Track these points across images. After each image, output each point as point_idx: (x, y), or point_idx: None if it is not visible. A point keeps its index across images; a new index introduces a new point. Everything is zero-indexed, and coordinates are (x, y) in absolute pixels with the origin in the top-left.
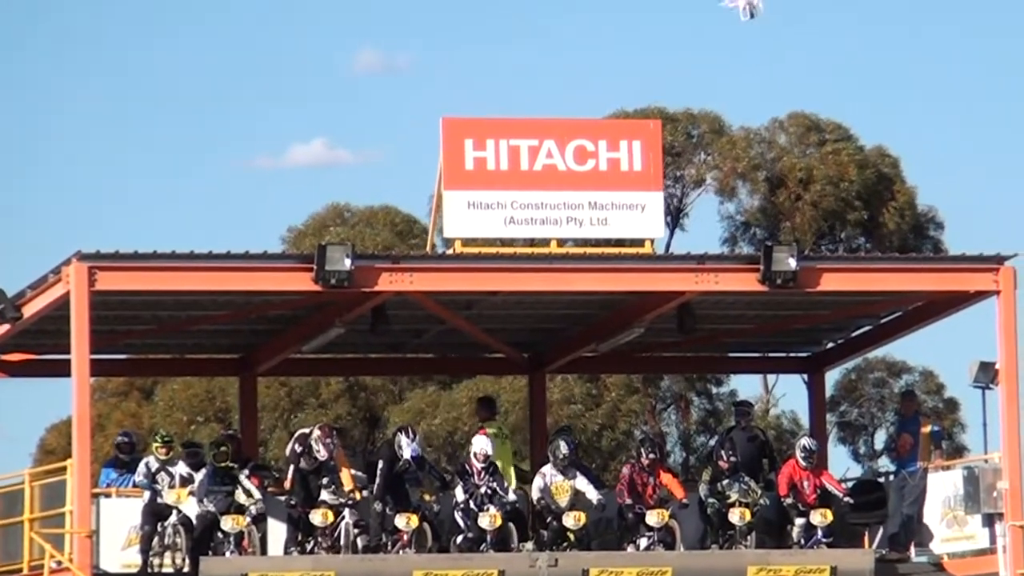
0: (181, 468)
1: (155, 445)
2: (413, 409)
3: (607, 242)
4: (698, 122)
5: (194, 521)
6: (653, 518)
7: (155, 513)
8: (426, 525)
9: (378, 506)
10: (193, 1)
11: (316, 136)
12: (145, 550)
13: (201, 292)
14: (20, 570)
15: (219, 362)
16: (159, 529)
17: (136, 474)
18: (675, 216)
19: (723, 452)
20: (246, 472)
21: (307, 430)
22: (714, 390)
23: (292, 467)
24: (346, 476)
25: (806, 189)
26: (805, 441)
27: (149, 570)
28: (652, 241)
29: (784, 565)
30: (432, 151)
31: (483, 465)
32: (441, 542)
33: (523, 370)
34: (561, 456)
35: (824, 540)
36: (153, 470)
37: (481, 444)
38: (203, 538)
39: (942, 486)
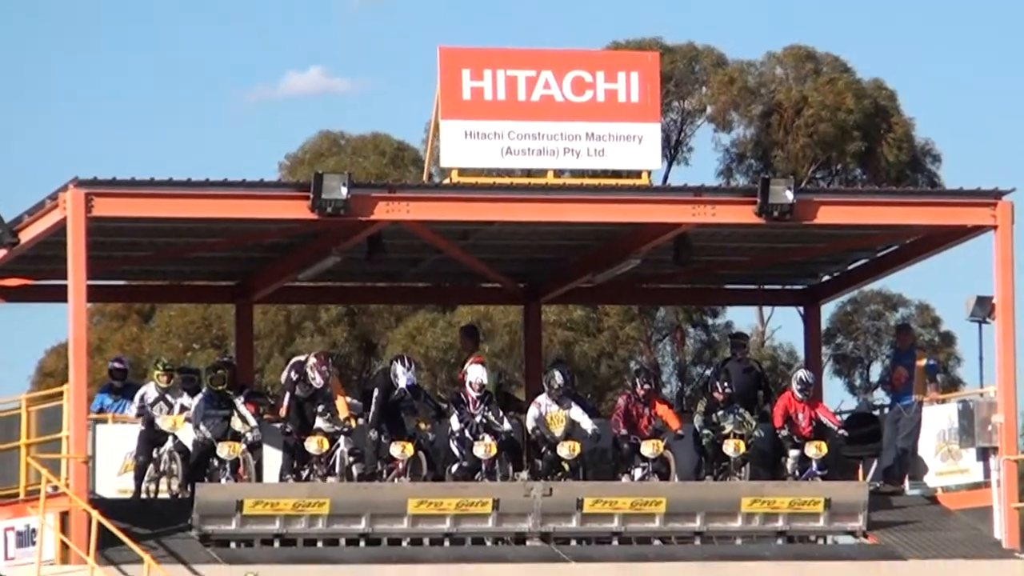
0: (183, 399)
1: (156, 373)
2: (409, 329)
3: (604, 173)
4: (696, 54)
5: (190, 447)
6: (648, 449)
7: (151, 440)
8: (421, 454)
9: (373, 434)
10: None
11: (313, 65)
12: (139, 477)
13: (198, 219)
14: (16, 495)
15: (216, 289)
16: (154, 456)
17: (132, 404)
18: (672, 148)
19: (718, 383)
20: (242, 399)
21: (303, 357)
22: (710, 321)
23: (288, 394)
24: (341, 404)
25: (799, 116)
26: (801, 373)
27: (144, 496)
28: (649, 173)
29: (778, 497)
30: (429, 81)
31: (479, 394)
32: (436, 471)
33: (519, 300)
34: (556, 386)
35: (818, 472)
36: (150, 401)
37: (476, 373)
38: (199, 464)
39: (937, 420)
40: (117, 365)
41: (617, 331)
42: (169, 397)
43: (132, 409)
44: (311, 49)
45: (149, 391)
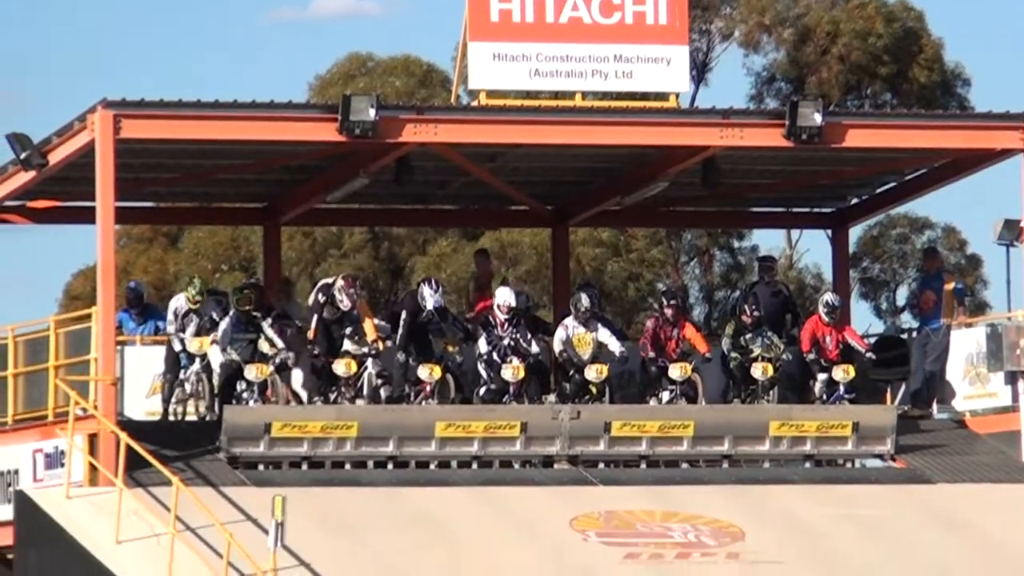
0: (211, 312)
1: (191, 292)
2: (435, 254)
3: (632, 95)
4: None
5: (217, 369)
6: (675, 372)
7: (177, 361)
8: (449, 376)
9: (401, 356)
10: None
11: None
12: (167, 398)
13: (226, 141)
14: (45, 417)
15: (243, 211)
16: (181, 377)
17: (168, 318)
18: (701, 70)
19: (746, 307)
20: (269, 321)
21: (330, 280)
22: (736, 245)
23: (315, 317)
24: (369, 326)
25: (833, 42)
26: (828, 296)
27: (171, 418)
28: (677, 95)
29: (806, 420)
30: (459, 3)
31: (506, 317)
32: (464, 393)
33: (546, 223)
34: (583, 309)
35: (846, 396)
36: (182, 313)
37: (505, 296)
38: (227, 386)
39: (965, 343)
40: (131, 291)
41: (644, 253)
42: (199, 313)
43: (169, 322)
44: None
45: (181, 303)
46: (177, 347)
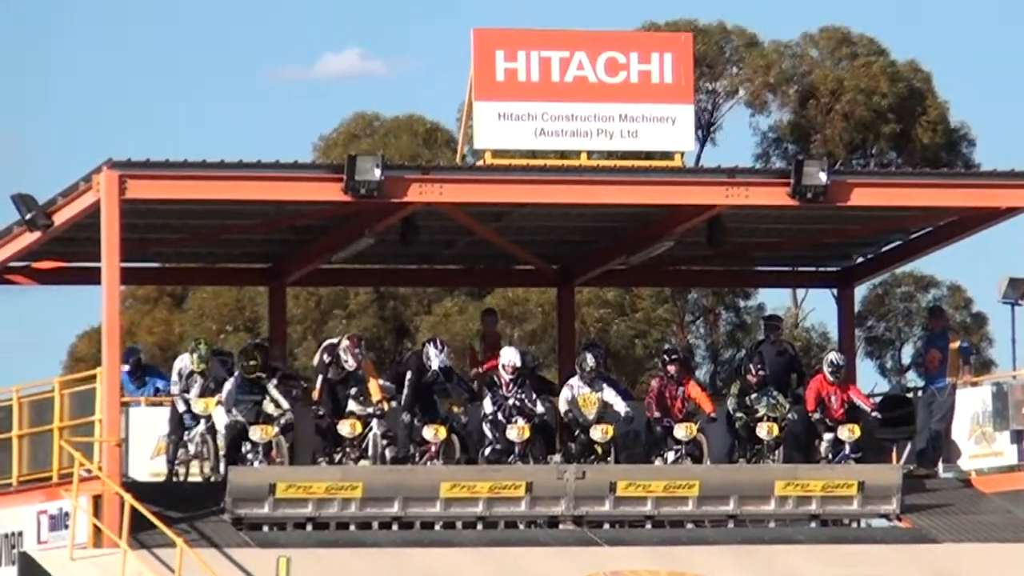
0: (216, 373)
1: (195, 358)
2: (440, 314)
3: (637, 155)
4: (730, 35)
5: (222, 430)
6: (681, 431)
7: (182, 422)
8: (454, 436)
9: (406, 417)
10: None
11: (349, 46)
12: (171, 459)
13: (231, 201)
14: (49, 478)
15: (249, 271)
16: (186, 438)
17: (172, 381)
18: (706, 129)
19: (752, 366)
20: (274, 382)
21: (335, 340)
22: (742, 304)
23: (320, 377)
24: (374, 386)
25: (837, 101)
26: (833, 356)
27: (175, 479)
28: (682, 154)
29: (812, 480)
30: (464, 62)
31: (512, 377)
32: (469, 454)
33: (552, 282)
34: (588, 368)
35: (852, 455)
36: (186, 375)
37: (510, 356)
38: (232, 447)
39: (970, 402)
40: (129, 348)
41: (650, 312)
42: (204, 375)
43: (173, 382)
44: (348, 30)
45: (185, 364)
46: (181, 407)
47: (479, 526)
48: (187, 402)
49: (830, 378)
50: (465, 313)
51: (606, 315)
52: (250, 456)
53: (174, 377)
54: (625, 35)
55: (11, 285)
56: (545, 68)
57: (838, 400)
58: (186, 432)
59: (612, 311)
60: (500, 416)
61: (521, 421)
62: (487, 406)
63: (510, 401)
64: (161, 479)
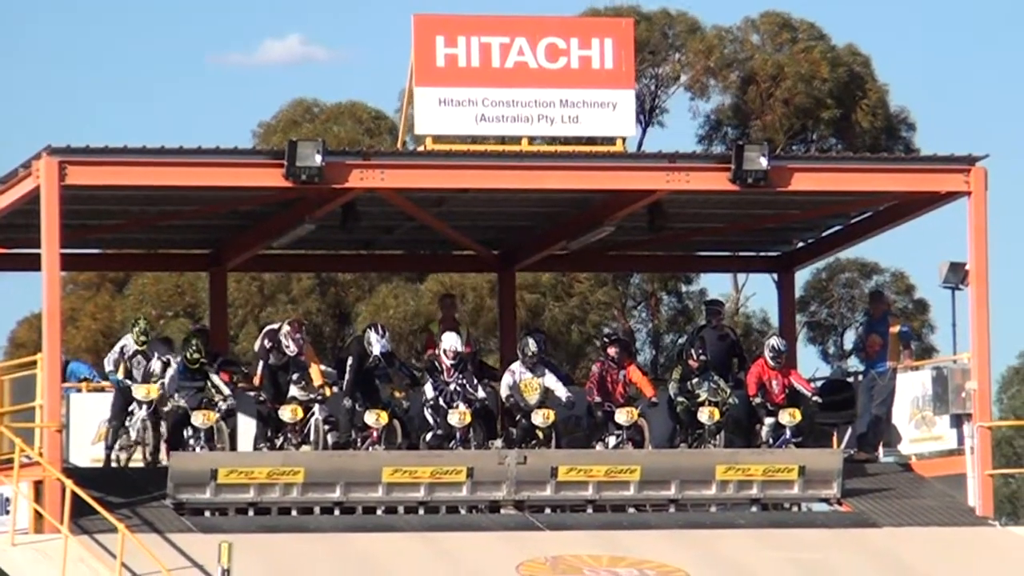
0: (159, 356)
1: (136, 332)
2: (379, 301)
3: (578, 140)
4: (671, 21)
5: (163, 416)
6: (622, 416)
7: (123, 408)
8: (396, 422)
9: (348, 402)
10: None
11: (291, 33)
12: (110, 445)
13: (172, 187)
14: None
15: (190, 257)
16: (127, 424)
17: (108, 357)
18: (649, 114)
19: (693, 351)
20: (216, 367)
21: (276, 325)
22: (684, 288)
23: (261, 363)
24: (315, 372)
25: (777, 86)
26: (774, 341)
27: (115, 464)
28: (623, 139)
29: (752, 464)
30: (407, 50)
31: (453, 362)
32: (411, 439)
33: (493, 268)
34: (530, 353)
35: (792, 440)
36: (128, 355)
37: (451, 341)
38: (173, 433)
39: (911, 387)
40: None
41: (587, 296)
42: (145, 356)
43: (110, 357)
44: (290, 17)
45: (128, 343)
46: (117, 391)
47: (420, 511)
48: (129, 388)
49: (771, 363)
50: (400, 299)
51: (540, 300)
52: (192, 442)
53: (114, 353)
54: (566, 20)
55: None
56: (485, 54)
57: (779, 385)
58: (128, 417)
59: (547, 296)
60: (441, 401)
61: (462, 406)
62: (428, 391)
63: (451, 386)
64: (102, 465)
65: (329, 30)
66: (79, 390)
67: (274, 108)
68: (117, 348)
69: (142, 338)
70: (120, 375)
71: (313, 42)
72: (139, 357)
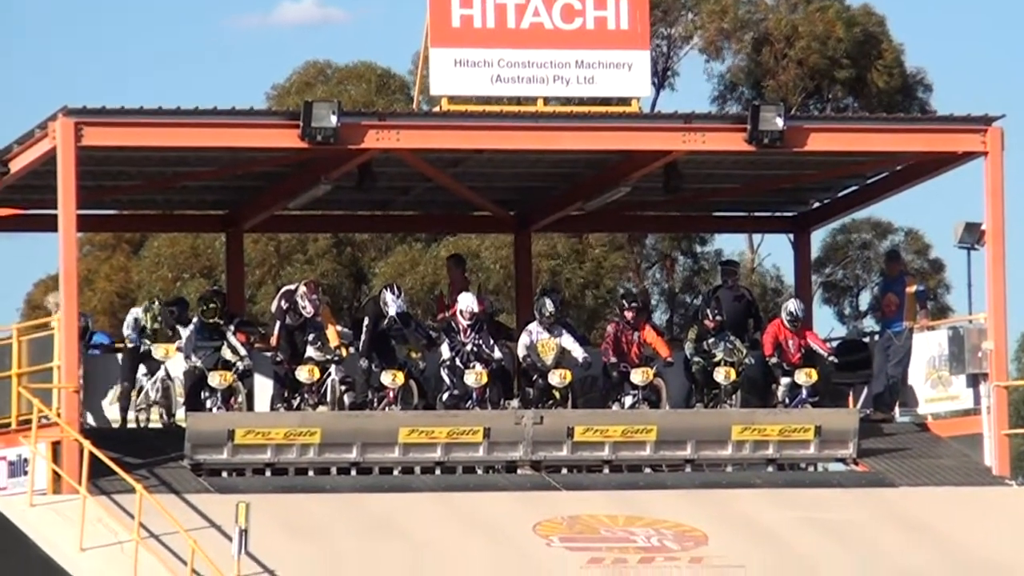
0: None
1: (148, 317)
2: (395, 264)
3: (593, 101)
4: None
5: (181, 377)
6: (638, 376)
7: (132, 369)
8: (412, 382)
9: (364, 363)
10: None
11: None
12: (124, 407)
13: (188, 148)
14: (8, 425)
15: (206, 218)
16: (145, 384)
17: (124, 326)
18: (661, 75)
19: (709, 311)
20: (232, 328)
21: (292, 286)
22: (699, 249)
23: (278, 323)
24: (332, 333)
25: (791, 47)
26: (792, 305)
27: (131, 425)
28: (639, 100)
29: (768, 424)
30: (423, 10)
31: (469, 322)
32: (427, 399)
33: (509, 228)
34: (547, 314)
35: (808, 400)
36: (143, 323)
37: (467, 301)
38: (191, 394)
39: (927, 346)
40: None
41: (602, 261)
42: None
43: (125, 331)
44: None
45: (139, 315)
46: (133, 352)
47: (437, 471)
48: (140, 349)
49: (788, 327)
50: (419, 264)
51: (556, 266)
52: (209, 402)
53: (128, 322)
54: None
55: None
56: (501, 14)
57: (795, 345)
58: (140, 379)
59: (562, 262)
60: (458, 362)
61: (479, 367)
62: (445, 352)
63: (468, 347)
64: (117, 426)
65: None
66: (102, 346)
67: (289, 70)
68: (131, 319)
69: (154, 324)
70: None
71: (329, 4)
72: (148, 332)
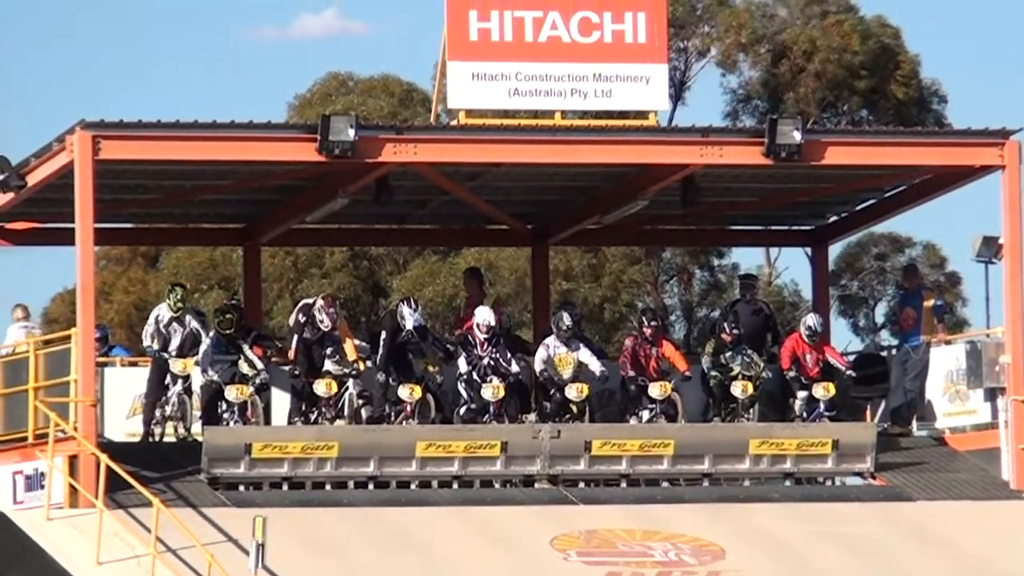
0: (192, 323)
1: (172, 300)
2: (413, 277)
3: (611, 114)
4: None
5: (198, 391)
6: (656, 390)
7: (159, 382)
8: (429, 396)
9: (382, 376)
10: None
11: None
12: (148, 420)
13: (205, 162)
14: (25, 439)
15: (223, 232)
16: (163, 399)
17: (145, 331)
18: (678, 89)
19: (727, 325)
20: (249, 342)
21: (310, 300)
22: (716, 262)
23: (296, 337)
24: (349, 346)
25: (809, 60)
26: (811, 319)
27: (151, 439)
28: (656, 113)
29: (786, 438)
30: (440, 22)
31: (486, 336)
32: (444, 413)
33: (527, 242)
34: (564, 327)
35: (826, 413)
36: (164, 322)
37: (484, 315)
38: (208, 408)
39: (944, 360)
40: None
41: (619, 276)
42: (180, 322)
43: (147, 331)
44: None
45: (163, 312)
46: (153, 365)
47: (454, 485)
48: (167, 362)
49: (807, 341)
50: (437, 277)
51: (572, 286)
52: (226, 416)
53: (150, 329)
54: None
55: None
56: (518, 28)
57: (813, 359)
58: (165, 391)
59: (578, 281)
60: (475, 375)
61: (496, 380)
62: (462, 365)
63: (485, 360)
64: (137, 439)
65: (366, 4)
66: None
67: (309, 82)
68: (152, 319)
69: (178, 305)
70: (156, 346)
71: (349, 16)
72: (175, 325)
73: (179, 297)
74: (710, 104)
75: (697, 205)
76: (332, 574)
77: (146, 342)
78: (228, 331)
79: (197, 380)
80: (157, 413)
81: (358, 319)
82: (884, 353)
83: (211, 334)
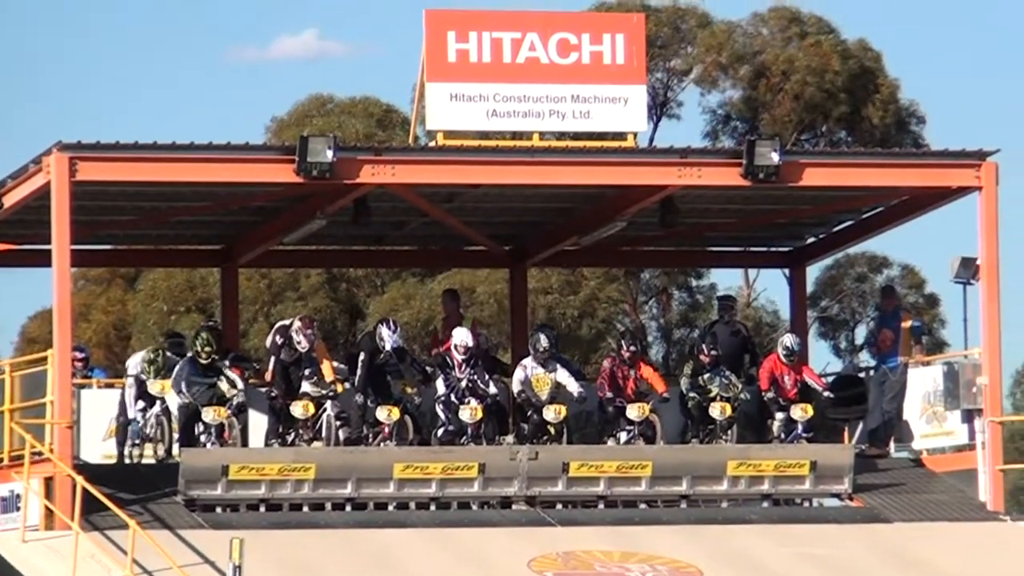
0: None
1: (151, 369)
2: (390, 299)
3: (590, 135)
4: (681, 15)
5: (175, 412)
6: (633, 412)
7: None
8: (407, 418)
9: (359, 398)
10: None
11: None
12: (121, 442)
13: (182, 183)
14: (0, 460)
15: (200, 253)
16: (140, 420)
17: (130, 367)
18: (659, 108)
19: (705, 346)
20: (227, 363)
21: (287, 322)
22: (694, 283)
23: (273, 359)
24: (327, 368)
25: (787, 80)
26: (788, 340)
27: (127, 461)
28: (635, 135)
29: (763, 460)
30: (418, 44)
31: (464, 357)
32: (422, 435)
33: (504, 263)
34: (542, 349)
35: (804, 435)
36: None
37: (462, 336)
38: (184, 429)
39: (922, 382)
40: (78, 355)
41: (596, 292)
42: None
43: (132, 371)
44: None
45: (144, 361)
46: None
47: (432, 507)
48: (145, 383)
49: (784, 361)
50: (414, 299)
51: (552, 302)
52: (203, 438)
53: (136, 364)
54: (577, 16)
55: None
56: (497, 49)
57: (791, 380)
58: (138, 414)
59: (557, 296)
60: (453, 397)
61: (474, 402)
62: (440, 387)
63: (463, 382)
64: (113, 461)
65: (345, 25)
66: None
67: (288, 103)
68: (136, 359)
69: (207, 349)
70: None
71: (328, 38)
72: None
73: (161, 365)
74: (692, 124)
75: (676, 226)
76: None
77: (132, 371)
78: (208, 352)
79: (173, 401)
80: (132, 435)
81: (336, 341)
82: (862, 374)
83: (188, 356)
